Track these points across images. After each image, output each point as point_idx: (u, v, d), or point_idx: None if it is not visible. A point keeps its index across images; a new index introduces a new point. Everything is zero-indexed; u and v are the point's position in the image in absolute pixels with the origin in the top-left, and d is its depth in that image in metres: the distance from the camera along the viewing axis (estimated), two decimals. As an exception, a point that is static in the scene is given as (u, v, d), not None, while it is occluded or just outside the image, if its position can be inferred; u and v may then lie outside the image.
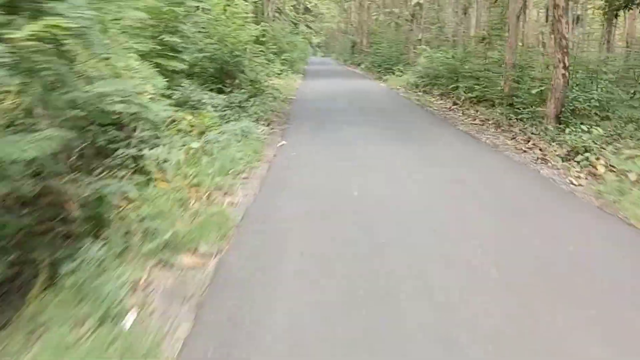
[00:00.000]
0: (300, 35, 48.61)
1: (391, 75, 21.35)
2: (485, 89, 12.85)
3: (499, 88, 12.69)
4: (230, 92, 10.40)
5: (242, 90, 11.43)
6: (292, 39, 32.59)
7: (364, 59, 34.52)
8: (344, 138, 8.28)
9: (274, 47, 23.04)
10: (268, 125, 9.64)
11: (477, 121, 10.64)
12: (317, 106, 12.59)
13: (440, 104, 13.51)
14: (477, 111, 11.96)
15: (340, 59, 46.77)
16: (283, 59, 22.73)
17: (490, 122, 10.40)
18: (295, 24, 55.03)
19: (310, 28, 67.01)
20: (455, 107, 12.66)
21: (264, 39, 22.39)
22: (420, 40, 21.51)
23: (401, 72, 20.88)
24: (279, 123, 10.06)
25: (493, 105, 12.52)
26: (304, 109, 12.10)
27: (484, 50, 14.58)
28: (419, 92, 16.40)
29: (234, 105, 9.41)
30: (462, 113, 11.82)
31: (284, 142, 8.08)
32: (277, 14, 37.34)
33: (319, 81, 21.58)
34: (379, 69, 26.36)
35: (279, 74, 20.79)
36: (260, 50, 21.87)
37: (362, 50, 38.51)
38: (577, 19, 31.62)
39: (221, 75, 12.59)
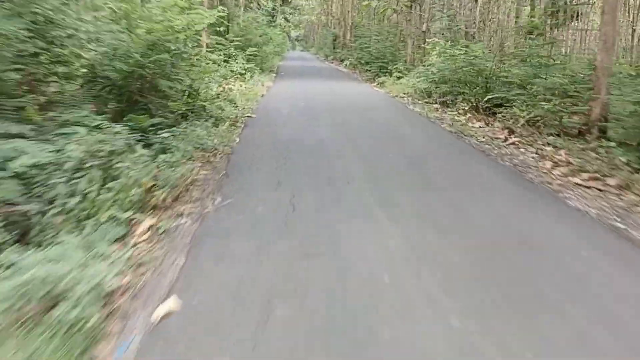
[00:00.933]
0: (277, 28, 43.29)
1: (387, 77, 16.08)
2: (559, 107, 7.70)
3: (584, 107, 7.58)
4: (112, 123, 4.95)
5: (145, 116, 6.13)
6: (267, 31, 27.20)
7: (348, 54, 29.20)
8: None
9: (239, 39, 17.61)
10: (172, 203, 4.29)
11: (584, 178, 5.46)
12: (285, 138, 7.19)
13: (482, 129, 8.31)
14: (555, 148, 6.81)
15: (320, 53, 41.34)
16: (250, 55, 17.30)
17: (613, 185, 5.23)
18: (272, 15, 49.50)
19: (288, 21, 61.33)
20: (514, 138, 7.46)
21: (221, 29, 16.89)
22: (424, 32, 16.28)
23: (400, 72, 15.63)
24: (202, 193, 4.69)
25: (561, 135, 7.45)
26: (262, 146, 6.72)
27: (543, 45, 9.43)
28: (435, 103, 11.19)
29: (92, 164, 3.99)
30: (537, 153, 6.63)
31: (172, 303, 2.76)
32: (250, 3, 31.48)
33: (295, 83, 16.18)
34: (369, 68, 21.07)
35: (242, 74, 15.39)
36: (219, 44, 16.44)
37: (345, 45, 33.17)
38: (578, 15, 27.09)
39: (130, 86, 7.26)
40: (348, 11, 32.63)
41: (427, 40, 14.35)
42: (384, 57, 18.07)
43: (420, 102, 11.75)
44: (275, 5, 51.02)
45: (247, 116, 9.09)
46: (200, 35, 13.13)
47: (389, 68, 16.98)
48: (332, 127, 7.99)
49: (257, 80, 15.20)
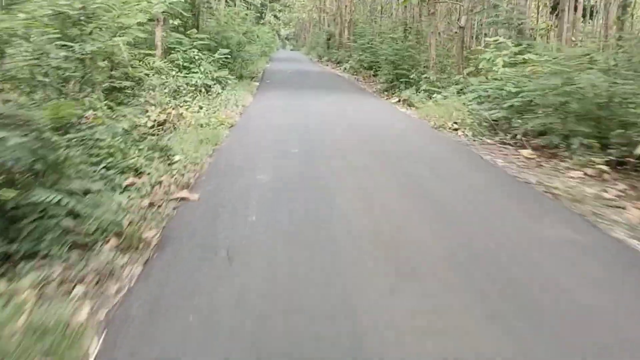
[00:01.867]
0: (266, 26, 38.35)
1: (412, 92, 11.14)
2: None
3: None
4: None
5: None
6: (253, 29, 22.24)
7: (346, 55, 24.25)
8: None
9: (208, 37, 12.61)
10: None
11: None
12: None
13: None
14: None
15: (312, 54, 36.26)
16: (223, 58, 12.24)
17: None
18: (260, 12, 44.41)
19: (277, 18, 56.10)
20: None
21: (177, 22, 11.82)
22: (462, 28, 11.37)
23: (431, 85, 10.71)
24: None
25: None
26: None
27: None
28: (523, 147, 6.30)
29: None
30: None
31: None
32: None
33: (284, 100, 11.17)
34: (375, 73, 16.25)
35: (207, 87, 10.39)
36: (179, 43, 11.45)
37: (341, 44, 28.21)
38: (591, 12, 22.61)
39: None
40: (345, 6, 27.60)
41: (488, 39, 9.38)
42: (401, 62, 13.10)
43: (490, 141, 6.86)
44: (264, 2, 45.83)
45: (179, 200, 4.10)
46: (142, 31, 8.23)
47: (412, 77, 12.06)
48: (382, 268, 3.05)
49: (229, 96, 10.18)
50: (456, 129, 7.66)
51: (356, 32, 24.27)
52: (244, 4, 23.31)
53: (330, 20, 35.49)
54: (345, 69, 21.74)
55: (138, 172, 4.70)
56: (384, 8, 31.01)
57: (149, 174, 4.68)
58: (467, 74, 10.66)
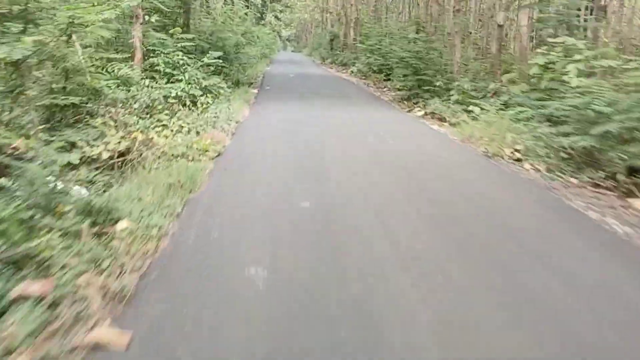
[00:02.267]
0: (266, 27, 36.49)
1: (440, 102, 9.14)
2: None
3: None
4: None
5: None
6: (252, 29, 20.36)
7: (352, 57, 22.25)
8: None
9: (192, 37, 10.64)
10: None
11: None
12: None
13: None
14: None
15: (315, 55, 34.23)
16: (215, 63, 10.18)
17: None
18: (261, 12, 42.51)
19: (278, 19, 54.12)
20: None
21: (153, 18, 9.75)
22: (501, 27, 9.36)
23: (465, 94, 8.70)
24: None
25: None
26: None
27: None
28: (628, 194, 4.35)
29: None
30: None
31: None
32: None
33: (288, 115, 9.14)
34: (387, 77, 14.34)
35: (193, 100, 8.39)
36: (161, 41, 9.44)
37: (346, 46, 26.22)
38: (605, 11, 20.70)
39: None
40: (351, 5, 25.55)
41: (551, 40, 7.34)
42: (423, 66, 11.04)
43: (575, 180, 4.86)
44: (265, 1, 43.77)
45: (90, 350, 2.12)
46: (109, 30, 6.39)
47: (437, 85, 10.04)
48: None
49: (221, 110, 8.16)
50: (518, 159, 5.65)
51: (363, 32, 22.27)
52: (243, 2, 21.32)
53: (334, 20, 33.48)
54: (352, 72, 19.76)
55: (44, 266, 2.73)
56: (389, 8, 29.01)
57: (62, 267, 2.71)
58: (508, 82, 8.71)
